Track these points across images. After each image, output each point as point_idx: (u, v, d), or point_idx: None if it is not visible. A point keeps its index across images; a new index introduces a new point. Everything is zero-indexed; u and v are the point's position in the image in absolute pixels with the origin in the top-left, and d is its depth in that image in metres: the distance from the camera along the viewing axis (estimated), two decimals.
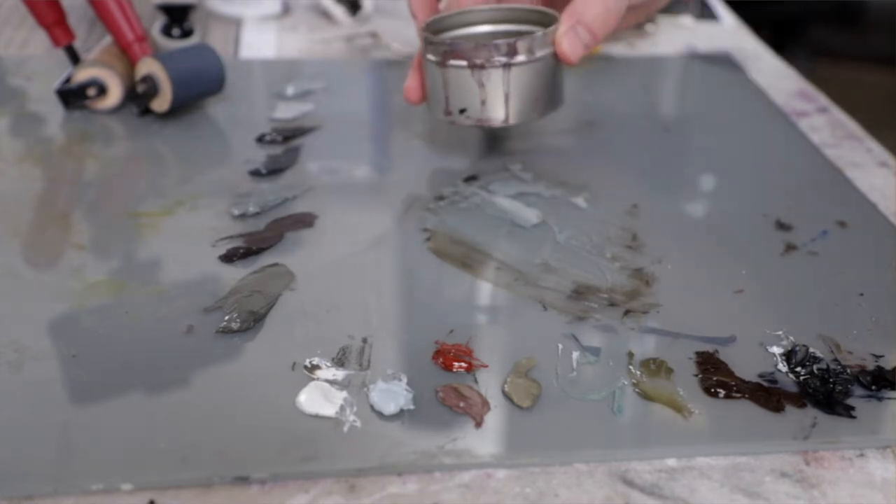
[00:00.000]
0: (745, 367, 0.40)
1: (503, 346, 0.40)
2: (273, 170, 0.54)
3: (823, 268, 0.47)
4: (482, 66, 0.48)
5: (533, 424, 0.36)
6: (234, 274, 0.44)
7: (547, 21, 0.50)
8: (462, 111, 0.50)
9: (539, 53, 0.48)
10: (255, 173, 0.53)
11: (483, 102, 0.49)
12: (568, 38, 0.48)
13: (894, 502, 0.34)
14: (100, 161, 0.54)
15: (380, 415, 0.36)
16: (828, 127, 0.65)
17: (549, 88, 0.51)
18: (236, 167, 0.54)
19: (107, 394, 0.36)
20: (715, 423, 0.37)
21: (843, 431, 0.36)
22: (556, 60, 0.50)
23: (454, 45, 0.48)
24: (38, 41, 0.71)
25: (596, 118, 0.63)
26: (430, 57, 0.50)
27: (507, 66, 0.48)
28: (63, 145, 0.56)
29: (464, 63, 0.48)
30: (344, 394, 0.37)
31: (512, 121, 0.50)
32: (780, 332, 0.42)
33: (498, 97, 0.49)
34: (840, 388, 0.38)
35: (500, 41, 0.48)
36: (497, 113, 0.50)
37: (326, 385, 0.37)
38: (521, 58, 0.48)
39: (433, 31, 0.51)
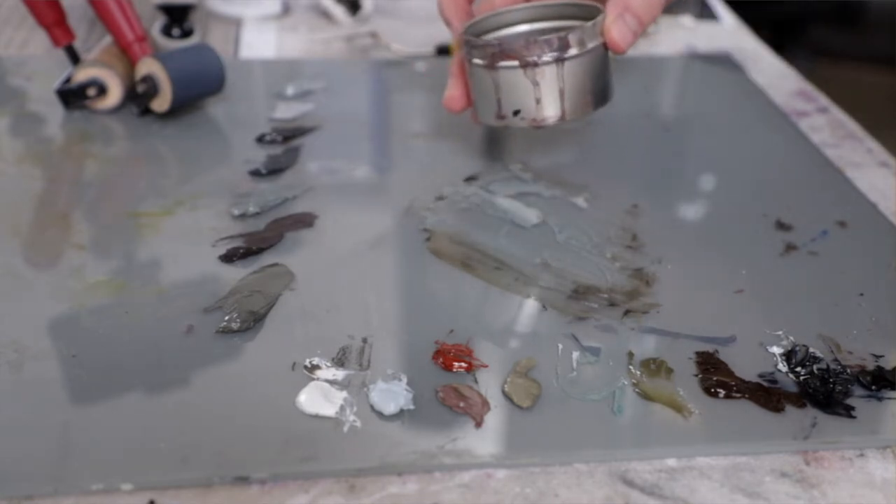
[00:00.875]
0: (745, 367, 0.40)
1: (503, 346, 0.40)
2: (273, 170, 0.54)
3: (823, 268, 0.47)
4: (535, 64, 0.46)
5: (533, 424, 0.36)
6: (234, 274, 0.44)
7: (585, 13, 0.49)
8: (516, 113, 0.48)
9: (590, 45, 0.47)
10: (255, 173, 0.53)
11: (538, 101, 0.48)
12: (617, 25, 0.47)
13: (894, 502, 0.34)
14: (100, 161, 0.54)
15: (380, 415, 0.36)
16: (828, 127, 0.65)
17: (601, 81, 0.49)
18: (236, 167, 0.54)
19: (107, 394, 0.36)
20: (715, 423, 0.37)
21: (843, 431, 0.37)
22: (605, 51, 0.48)
23: (504, 44, 0.46)
24: (38, 41, 0.71)
25: (596, 118, 0.63)
26: (477, 61, 0.48)
27: (559, 60, 0.46)
28: (63, 145, 0.56)
29: (515, 63, 0.46)
30: (344, 394, 0.37)
31: (568, 117, 0.48)
32: (780, 332, 0.42)
33: (553, 94, 0.47)
34: (840, 388, 0.38)
35: (550, 36, 0.46)
36: (552, 111, 0.48)
37: (326, 385, 0.37)
38: (573, 51, 0.46)
39: (473, 35, 0.50)
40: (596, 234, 0.49)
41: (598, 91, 0.49)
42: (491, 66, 0.47)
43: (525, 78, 0.47)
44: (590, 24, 0.47)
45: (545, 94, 0.47)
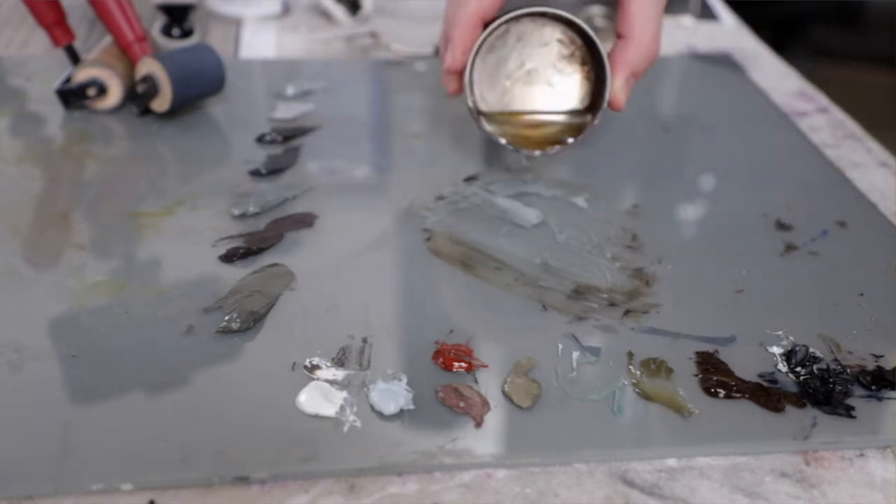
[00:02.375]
0: (745, 367, 0.40)
1: (503, 346, 0.40)
2: (273, 170, 0.54)
3: (823, 268, 0.47)
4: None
5: (533, 424, 0.36)
6: (234, 274, 0.44)
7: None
8: (517, 150, 0.53)
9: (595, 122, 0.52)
10: (255, 173, 0.53)
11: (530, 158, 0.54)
12: (624, 91, 0.51)
13: (894, 502, 0.34)
14: (100, 161, 0.54)
15: (380, 415, 0.36)
16: (828, 127, 0.65)
17: None
18: (236, 167, 0.54)
19: (107, 394, 0.36)
20: (715, 423, 0.37)
21: (843, 431, 0.37)
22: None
23: (526, 156, 0.52)
24: (38, 41, 0.71)
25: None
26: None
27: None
28: (63, 145, 0.56)
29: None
30: (344, 394, 0.37)
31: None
32: (780, 332, 0.42)
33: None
34: (840, 388, 0.38)
35: (567, 144, 0.52)
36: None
37: (326, 385, 0.37)
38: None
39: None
40: (596, 234, 0.49)
41: None
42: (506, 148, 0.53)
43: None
44: (596, 120, 0.52)
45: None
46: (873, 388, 0.39)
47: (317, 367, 0.38)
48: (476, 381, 0.38)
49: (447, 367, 0.38)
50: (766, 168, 0.58)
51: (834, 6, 2.05)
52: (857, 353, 0.41)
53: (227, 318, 0.41)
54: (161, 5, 0.71)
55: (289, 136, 0.58)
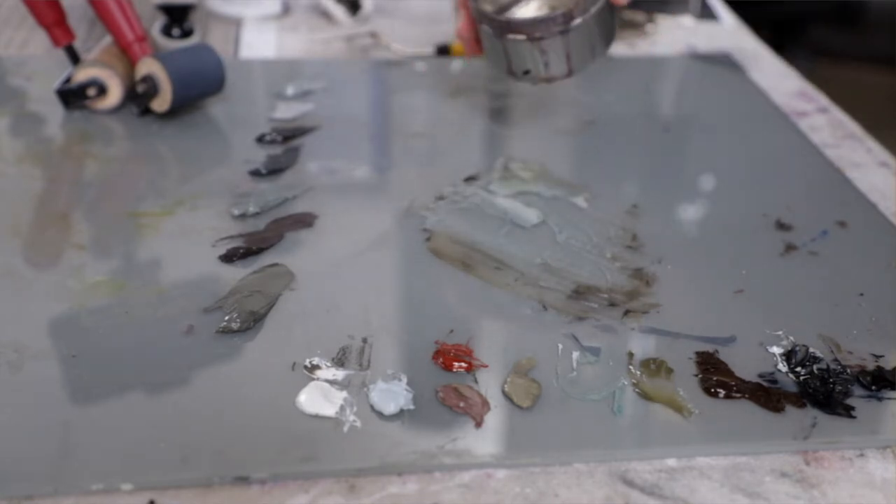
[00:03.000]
0: (745, 367, 0.40)
1: (503, 346, 0.40)
2: (273, 170, 0.54)
3: (823, 268, 0.47)
4: (542, 38, 0.49)
5: (533, 424, 0.36)
6: (234, 274, 0.44)
7: None
8: (526, 72, 0.52)
9: (593, 8, 0.49)
10: (255, 173, 0.53)
11: (546, 64, 0.51)
12: None
13: (894, 502, 0.34)
14: (100, 161, 0.54)
15: (380, 415, 0.36)
16: (828, 127, 0.65)
17: (605, 30, 0.52)
18: (236, 167, 0.54)
19: (107, 394, 0.36)
20: (715, 423, 0.37)
21: (843, 431, 0.37)
22: (608, 3, 0.50)
23: (512, 22, 0.49)
24: (38, 41, 0.71)
25: (596, 118, 0.63)
26: (486, 28, 0.50)
27: (565, 31, 0.49)
28: (63, 145, 0.56)
29: (523, 37, 0.49)
30: (344, 394, 0.37)
31: (575, 72, 0.52)
32: (780, 332, 0.42)
33: (560, 57, 0.51)
34: (840, 388, 0.38)
35: (556, 14, 0.48)
36: (559, 70, 0.51)
37: (326, 385, 0.37)
38: (577, 21, 0.49)
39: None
40: (596, 234, 0.49)
41: (603, 40, 0.52)
42: (500, 36, 0.49)
43: (533, 48, 0.49)
44: None
45: (552, 59, 0.51)
46: (873, 388, 0.39)
47: (317, 367, 0.38)
48: (476, 381, 0.38)
49: (447, 367, 0.38)
50: (766, 168, 0.58)
51: (834, 6, 2.05)
52: (857, 353, 0.41)
53: (227, 318, 0.41)
54: (161, 5, 0.71)
55: (289, 136, 0.58)
